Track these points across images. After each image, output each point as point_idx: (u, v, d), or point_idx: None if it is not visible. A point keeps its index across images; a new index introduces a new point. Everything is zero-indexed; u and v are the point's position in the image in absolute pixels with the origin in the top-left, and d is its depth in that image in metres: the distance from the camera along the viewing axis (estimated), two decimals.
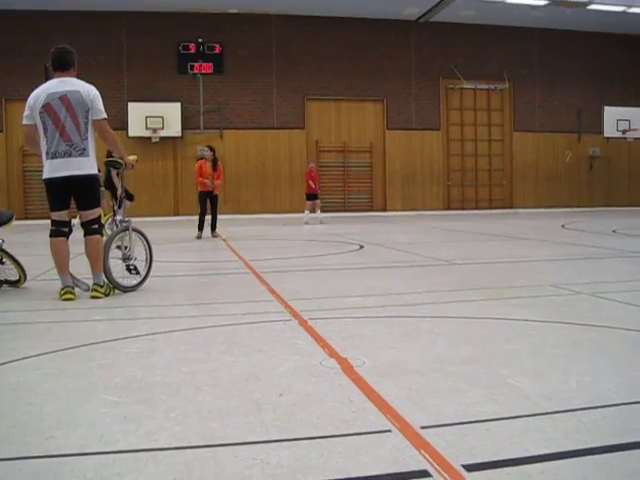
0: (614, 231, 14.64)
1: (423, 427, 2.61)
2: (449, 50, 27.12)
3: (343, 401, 2.94)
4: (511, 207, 28.16)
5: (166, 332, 4.50)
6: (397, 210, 26.32)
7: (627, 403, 2.89)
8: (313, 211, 19.25)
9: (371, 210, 26.42)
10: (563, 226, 16.88)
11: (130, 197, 12.60)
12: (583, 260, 8.89)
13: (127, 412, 2.86)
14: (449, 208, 27.66)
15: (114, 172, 12.15)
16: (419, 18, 26.42)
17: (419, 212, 26.37)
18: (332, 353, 3.79)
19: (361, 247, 11.09)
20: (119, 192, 6.69)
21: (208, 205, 14.15)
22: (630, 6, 25.04)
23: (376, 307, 5.32)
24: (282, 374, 3.40)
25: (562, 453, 2.36)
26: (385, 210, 26.62)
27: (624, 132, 28.31)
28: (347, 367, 3.49)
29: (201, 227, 13.97)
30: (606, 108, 28.05)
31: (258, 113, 25.68)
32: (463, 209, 27.70)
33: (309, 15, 25.39)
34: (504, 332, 4.36)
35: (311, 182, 19.32)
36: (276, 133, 25.79)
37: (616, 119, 28.21)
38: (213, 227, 14.23)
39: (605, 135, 28.36)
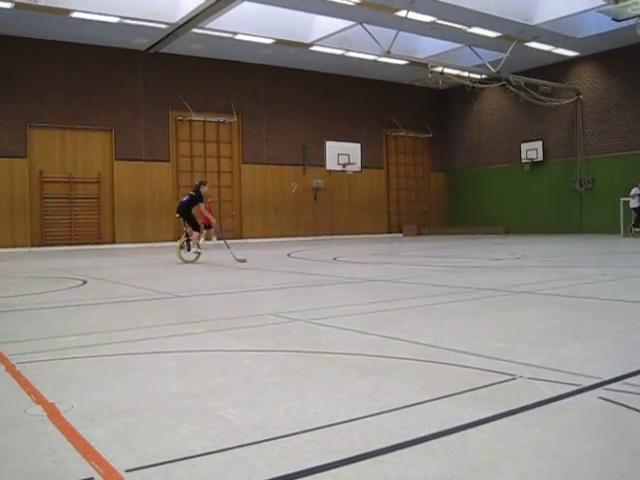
0: (335, 259, 15.53)
1: (128, 470, 2.53)
2: (179, 82, 27.29)
3: (45, 451, 2.76)
4: (241, 237, 28.81)
5: None
6: (127, 242, 25.79)
7: (330, 425, 3.02)
8: (208, 239, 20.66)
9: (99, 242, 25.58)
10: (289, 255, 17.58)
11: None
12: (304, 288, 9.30)
13: None
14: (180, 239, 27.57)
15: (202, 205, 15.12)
16: (149, 49, 26.31)
17: (150, 244, 26.05)
18: (39, 399, 3.56)
19: (84, 282, 10.65)
20: None
21: None
22: (348, 50, 27.06)
23: (94, 346, 5.12)
24: None
25: None
26: (114, 242, 25.94)
27: (344, 165, 30.30)
28: (54, 413, 3.30)
29: None
30: (328, 143, 29.88)
31: None
32: None
33: (28, 37, 24.16)
34: (220, 364, 4.41)
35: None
36: None
37: (337, 153, 30.13)
38: None
39: (327, 168, 30.16)
